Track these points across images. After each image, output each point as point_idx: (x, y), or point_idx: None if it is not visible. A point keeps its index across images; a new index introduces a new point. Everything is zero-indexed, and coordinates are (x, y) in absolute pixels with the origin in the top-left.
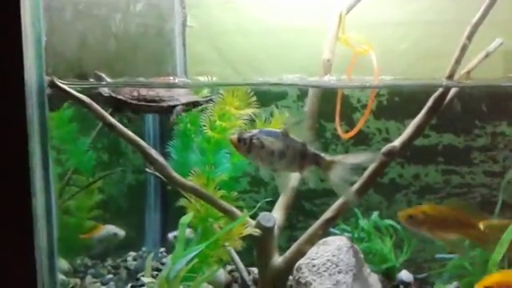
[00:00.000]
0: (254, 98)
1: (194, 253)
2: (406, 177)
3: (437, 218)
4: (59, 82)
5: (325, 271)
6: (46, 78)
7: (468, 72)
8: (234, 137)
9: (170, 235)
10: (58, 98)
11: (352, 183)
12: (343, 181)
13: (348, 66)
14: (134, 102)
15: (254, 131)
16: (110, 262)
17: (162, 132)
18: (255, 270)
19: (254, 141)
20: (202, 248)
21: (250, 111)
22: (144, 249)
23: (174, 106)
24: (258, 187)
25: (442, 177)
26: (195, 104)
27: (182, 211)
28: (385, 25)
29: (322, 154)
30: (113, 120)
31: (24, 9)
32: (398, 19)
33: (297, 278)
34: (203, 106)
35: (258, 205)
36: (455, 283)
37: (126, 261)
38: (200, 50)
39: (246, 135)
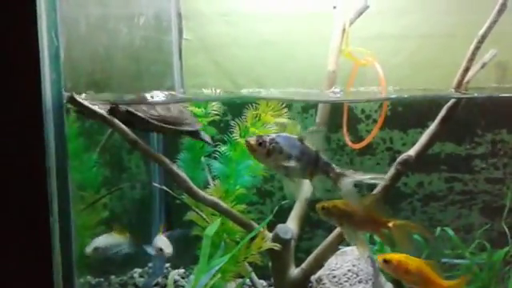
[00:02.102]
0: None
1: (218, 267)
2: (411, 185)
3: (347, 212)
4: (79, 98)
5: (346, 281)
6: (65, 94)
7: (467, 82)
8: (253, 139)
9: (151, 247)
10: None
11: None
12: (352, 193)
13: (349, 77)
14: (153, 121)
15: (272, 135)
16: (114, 279)
17: (166, 145)
18: (264, 282)
19: (273, 145)
20: (225, 262)
21: (283, 120)
22: (150, 265)
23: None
24: (264, 199)
25: (446, 184)
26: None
27: (188, 225)
28: (379, 38)
29: (333, 165)
30: (135, 136)
31: (41, 23)
32: (392, 33)
33: None
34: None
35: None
36: None
37: (132, 277)
38: (197, 62)
39: (266, 138)
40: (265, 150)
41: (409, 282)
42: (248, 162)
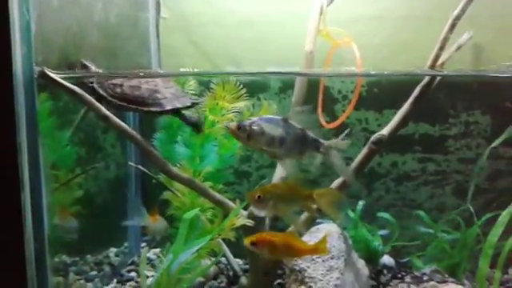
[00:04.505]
0: (244, 90)
1: (197, 247)
2: (385, 165)
3: (279, 194)
4: (50, 73)
5: (318, 257)
6: (36, 69)
7: (441, 64)
8: (234, 124)
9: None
10: None
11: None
12: (341, 162)
13: (326, 58)
14: (114, 100)
15: (254, 118)
16: (90, 258)
17: (142, 123)
18: (240, 261)
19: (253, 127)
20: (205, 242)
21: (241, 104)
22: (126, 244)
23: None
24: (241, 179)
25: (419, 164)
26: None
27: (164, 205)
28: (358, 20)
29: (321, 140)
30: (107, 112)
31: None
32: (371, 14)
33: (290, 265)
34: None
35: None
36: (434, 266)
37: (108, 257)
38: (174, 41)
39: (246, 122)
40: (245, 134)
41: (278, 256)
42: (212, 144)
